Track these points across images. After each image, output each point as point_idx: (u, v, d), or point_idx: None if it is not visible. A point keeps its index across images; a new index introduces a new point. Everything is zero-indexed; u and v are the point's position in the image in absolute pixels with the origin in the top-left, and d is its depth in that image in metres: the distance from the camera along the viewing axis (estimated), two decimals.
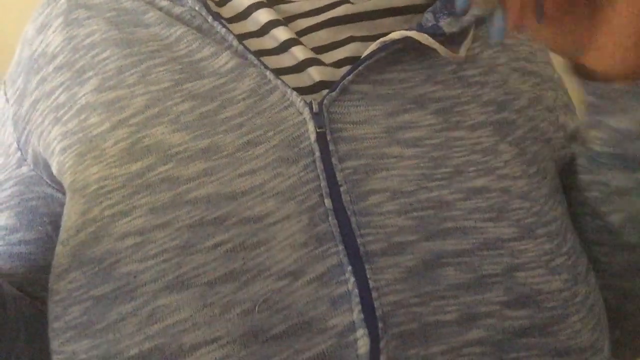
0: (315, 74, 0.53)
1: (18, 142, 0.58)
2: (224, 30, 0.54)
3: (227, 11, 0.58)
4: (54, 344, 0.49)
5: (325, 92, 0.52)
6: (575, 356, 0.47)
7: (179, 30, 0.54)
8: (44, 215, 0.57)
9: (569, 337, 0.47)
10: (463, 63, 0.55)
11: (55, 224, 0.55)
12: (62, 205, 0.54)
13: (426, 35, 0.53)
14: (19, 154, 0.58)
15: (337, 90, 0.51)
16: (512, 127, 0.54)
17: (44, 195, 0.57)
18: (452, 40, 0.55)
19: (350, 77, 0.52)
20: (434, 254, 0.46)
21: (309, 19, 0.57)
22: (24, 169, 0.58)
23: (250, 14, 0.57)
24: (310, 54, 0.54)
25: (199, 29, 0.55)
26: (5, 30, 0.76)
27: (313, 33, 0.57)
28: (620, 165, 0.49)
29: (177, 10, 0.56)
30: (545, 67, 0.61)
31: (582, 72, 0.49)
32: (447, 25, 0.54)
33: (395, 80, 0.54)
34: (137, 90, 0.52)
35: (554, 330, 0.46)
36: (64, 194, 0.55)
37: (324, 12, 0.57)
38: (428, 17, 0.56)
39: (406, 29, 0.54)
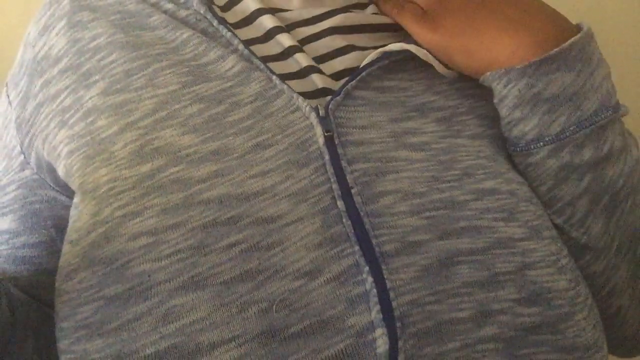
0: (318, 80, 0.54)
1: (21, 145, 0.57)
2: (229, 34, 0.54)
3: (231, 16, 0.59)
4: (63, 344, 0.49)
5: (328, 97, 0.53)
6: (581, 353, 0.48)
7: (184, 33, 0.55)
8: (48, 218, 0.57)
9: (575, 334, 0.48)
10: (460, 75, 0.57)
11: (59, 227, 0.55)
12: (65, 208, 0.54)
13: (424, 51, 0.54)
14: (22, 157, 0.58)
15: (342, 94, 0.52)
16: (505, 143, 0.56)
17: (47, 199, 0.57)
18: None
19: (353, 83, 0.53)
20: (448, 252, 0.47)
21: (309, 27, 0.58)
22: (27, 172, 0.57)
23: (255, 19, 0.58)
24: (312, 62, 0.55)
25: (204, 32, 0.55)
26: (5, 30, 0.76)
27: (313, 42, 0.57)
28: (550, 148, 0.53)
29: (182, 13, 0.56)
30: None
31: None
32: None
33: (396, 89, 0.55)
34: (145, 93, 0.52)
35: (562, 327, 0.47)
36: (67, 196, 0.55)
37: (323, 20, 0.58)
38: None
39: (406, 41, 0.55)
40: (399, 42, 0.55)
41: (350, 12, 0.59)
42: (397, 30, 0.59)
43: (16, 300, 0.52)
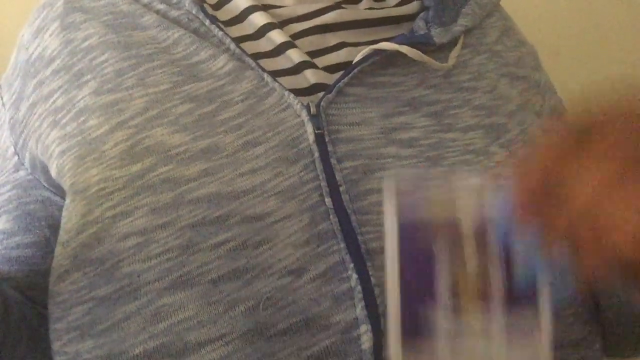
0: (311, 76, 0.54)
1: (15, 146, 0.58)
2: (220, 33, 0.54)
3: (223, 14, 0.59)
4: (56, 345, 0.49)
5: (321, 94, 0.53)
6: (569, 349, 0.48)
7: (176, 33, 0.55)
8: (42, 218, 0.57)
9: (562, 330, 0.47)
10: (454, 69, 0.56)
11: (53, 227, 0.56)
12: (59, 208, 0.54)
13: (416, 50, 0.54)
14: (16, 158, 0.58)
15: (333, 92, 0.52)
16: (503, 130, 0.55)
17: (41, 199, 0.57)
18: (442, 47, 0.56)
19: (345, 80, 0.52)
20: None
21: (302, 23, 0.58)
22: (22, 172, 0.58)
23: (246, 17, 0.58)
24: (306, 57, 0.55)
25: (196, 32, 0.55)
26: (4, 31, 0.76)
27: (305, 37, 0.57)
28: None
29: (174, 13, 0.56)
30: (533, 72, 0.62)
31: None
32: (438, 35, 0.56)
33: (389, 84, 0.54)
34: (136, 92, 0.52)
35: None
36: (61, 197, 0.55)
37: (316, 16, 0.58)
38: (420, 25, 0.57)
39: (397, 36, 0.55)
40: (392, 37, 0.55)
41: (343, 8, 0.59)
42: (391, 24, 0.59)
43: (11, 301, 0.53)
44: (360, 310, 0.44)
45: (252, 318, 0.44)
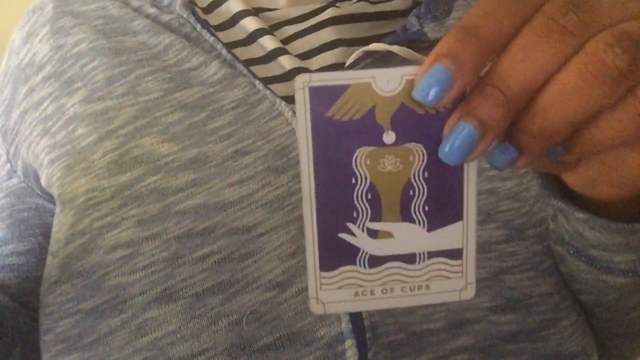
0: None
1: (7, 153, 0.58)
2: (212, 38, 0.54)
3: (214, 18, 0.58)
4: (45, 357, 0.49)
5: None
6: None
7: (167, 38, 0.54)
8: (36, 226, 0.57)
9: (559, 342, 0.47)
10: None
11: (47, 235, 0.56)
12: (53, 215, 0.54)
13: (407, 49, 0.53)
14: (8, 165, 0.58)
15: None
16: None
17: (35, 206, 0.57)
18: (437, 43, 0.55)
19: None
20: None
21: (295, 25, 0.57)
22: (14, 180, 0.58)
23: (237, 21, 0.57)
24: (297, 63, 0.54)
25: (187, 37, 0.55)
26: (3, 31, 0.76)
27: (300, 39, 0.56)
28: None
29: (165, 17, 0.56)
30: None
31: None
32: (431, 30, 0.55)
33: None
34: (127, 101, 0.51)
35: (543, 335, 0.46)
36: (54, 204, 0.55)
37: (310, 18, 0.57)
38: (412, 22, 0.56)
39: (389, 35, 0.54)
40: (385, 34, 0.54)
41: (337, 7, 0.58)
42: (386, 19, 0.58)
43: (4, 308, 0.53)
44: (345, 325, 0.43)
45: (235, 333, 0.43)
